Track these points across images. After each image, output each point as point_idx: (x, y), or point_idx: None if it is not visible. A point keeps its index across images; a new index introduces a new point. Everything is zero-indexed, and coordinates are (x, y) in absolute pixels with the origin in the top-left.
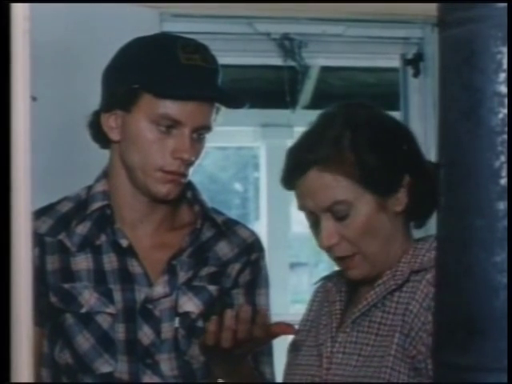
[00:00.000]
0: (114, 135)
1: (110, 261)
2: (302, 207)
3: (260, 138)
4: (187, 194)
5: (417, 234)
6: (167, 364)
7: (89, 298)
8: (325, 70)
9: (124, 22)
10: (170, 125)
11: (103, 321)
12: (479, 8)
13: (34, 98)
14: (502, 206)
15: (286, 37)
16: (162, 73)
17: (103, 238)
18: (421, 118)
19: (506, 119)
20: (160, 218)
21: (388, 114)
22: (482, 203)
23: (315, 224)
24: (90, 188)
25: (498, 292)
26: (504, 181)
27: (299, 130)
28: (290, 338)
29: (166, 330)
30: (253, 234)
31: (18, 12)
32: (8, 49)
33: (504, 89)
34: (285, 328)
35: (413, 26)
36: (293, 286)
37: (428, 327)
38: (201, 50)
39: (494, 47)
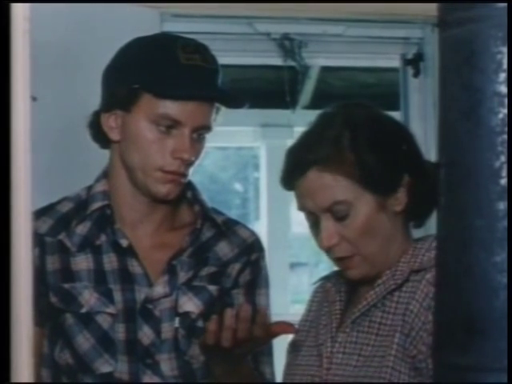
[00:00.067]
0: (114, 135)
1: (110, 261)
2: (301, 207)
3: (260, 138)
4: (187, 194)
5: (416, 233)
6: (167, 364)
7: (89, 298)
8: (325, 70)
9: (124, 22)
10: (170, 125)
11: (103, 321)
12: (479, 8)
13: (34, 98)
14: (502, 206)
15: (286, 37)
16: (161, 73)
17: (103, 238)
18: (421, 117)
19: (506, 119)
20: (160, 218)
21: (387, 113)
22: (481, 203)
23: (315, 224)
24: (90, 188)
25: (498, 292)
26: (504, 181)
27: (299, 130)
28: (290, 337)
29: (166, 330)
30: (253, 234)
31: (18, 12)
32: (8, 49)
33: (504, 89)
34: (285, 327)
35: (413, 26)
36: (293, 286)
37: (428, 327)
38: (201, 49)
39: (494, 47)
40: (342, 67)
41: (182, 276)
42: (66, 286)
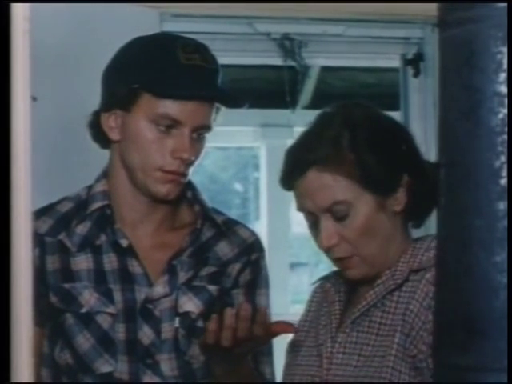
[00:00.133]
0: (114, 135)
1: (110, 261)
2: (300, 208)
3: (260, 138)
4: (187, 193)
5: (416, 233)
6: (167, 364)
7: (89, 298)
8: (325, 70)
9: (124, 22)
10: (170, 124)
11: (103, 321)
12: (479, 8)
13: (34, 98)
14: (502, 206)
15: (286, 37)
16: (161, 72)
17: (103, 238)
18: (421, 117)
19: (506, 119)
20: (160, 217)
21: (386, 113)
22: (481, 203)
23: (314, 225)
24: (90, 188)
25: (498, 292)
26: (504, 181)
27: (299, 130)
28: (290, 337)
29: (166, 330)
30: (253, 234)
31: (18, 12)
32: (8, 49)
33: (504, 89)
34: (285, 327)
35: (413, 26)
36: (293, 286)
37: (428, 326)
38: (201, 49)
39: (494, 47)
40: (342, 67)
41: (182, 276)
42: (66, 285)
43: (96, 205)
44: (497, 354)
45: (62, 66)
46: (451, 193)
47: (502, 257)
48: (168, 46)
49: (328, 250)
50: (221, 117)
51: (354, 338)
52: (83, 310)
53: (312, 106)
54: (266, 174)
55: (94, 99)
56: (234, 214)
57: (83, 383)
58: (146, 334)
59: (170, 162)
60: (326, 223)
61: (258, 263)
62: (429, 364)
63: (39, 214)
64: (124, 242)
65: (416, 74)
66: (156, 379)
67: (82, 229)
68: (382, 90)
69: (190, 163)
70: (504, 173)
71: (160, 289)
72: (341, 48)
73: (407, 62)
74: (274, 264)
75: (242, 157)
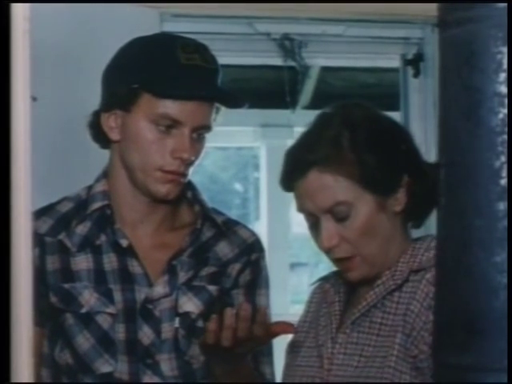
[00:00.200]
0: (114, 135)
1: (110, 261)
2: (301, 209)
3: (260, 138)
4: (187, 194)
5: (416, 233)
6: (167, 364)
7: (89, 298)
8: (325, 70)
9: (124, 22)
10: (170, 124)
11: (103, 321)
12: (479, 8)
13: (34, 98)
14: (502, 206)
15: (286, 37)
16: (161, 72)
17: (103, 238)
18: (421, 118)
19: (506, 119)
20: (160, 218)
21: (385, 114)
22: (481, 203)
23: (314, 225)
24: (90, 188)
25: (498, 292)
26: (504, 181)
27: (299, 130)
28: (290, 338)
29: (166, 330)
30: (253, 234)
31: (18, 12)
32: (8, 49)
33: (504, 89)
34: (285, 327)
35: (413, 27)
36: (293, 287)
37: (429, 326)
38: (201, 49)
39: (494, 47)
40: (342, 67)
41: (182, 276)
42: (66, 286)
43: (96, 205)
44: (497, 354)
45: (62, 65)
46: (451, 193)
47: (501, 257)
48: (168, 46)
49: (329, 251)
50: (221, 117)
51: (355, 339)
52: (83, 310)
53: (312, 106)
54: (266, 174)
55: (94, 99)
56: (233, 214)
57: (83, 383)
58: (145, 334)
59: (169, 162)
60: (326, 224)
61: (257, 263)
62: (430, 364)
63: (39, 214)
64: (124, 242)
65: (416, 74)
66: (156, 379)
67: (82, 229)
68: (382, 90)
69: (189, 163)
70: (504, 173)
71: (160, 289)
72: (341, 48)
73: (407, 62)
74: (274, 264)
75: (242, 157)
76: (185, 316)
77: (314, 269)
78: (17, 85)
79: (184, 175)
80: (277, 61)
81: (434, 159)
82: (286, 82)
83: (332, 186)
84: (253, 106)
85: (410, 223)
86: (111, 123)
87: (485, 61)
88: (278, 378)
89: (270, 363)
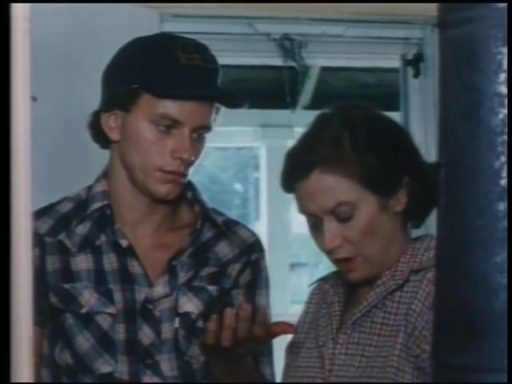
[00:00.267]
0: (114, 135)
1: (110, 261)
2: (302, 210)
3: (260, 139)
4: (187, 194)
5: (415, 233)
6: (167, 364)
7: (89, 298)
8: (325, 70)
9: (124, 22)
10: (170, 125)
11: (103, 321)
12: (479, 8)
13: (34, 98)
14: (502, 206)
15: (286, 37)
16: (161, 73)
17: (103, 238)
18: (421, 118)
19: (506, 120)
20: (160, 218)
21: (384, 114)
22: (481, 204)
23: (316, 226)
24: (90, 188)
25: (498, 292)
26: (504, 181)
27: (299, 131)
28: (289, 339)
29: (166, 331)
30: (253, 234)
31: (18, 12)
32: (8, 49)
33: (504, 89)
34: (285, 327)
35: (413, 27)
36: (293, 287)
37: (431, 326)
38: (201, 49)
39: (494, 48)
40: (342, 67)
41: (182, 276)
42: (66, 286)
43: (96, 205)
44: (497, 354)
45: (62, 66)
46: (451, 193)
47: (501, 257)
48: (168, 46)
49: (331, 252)
50: (221, 117)
51: (356, 339)
52: (83, 311)
53: (312, 106)
54: (266, 174)
55: (94, 99)
56: (234, 214)
57: (83, 383)
58: (145, 335)
59: (169, 162)
60: (329, 224)
61: (258, 263)
62: (432, 364)
63: (39, 214)
64: (124, 242)
65: (416, 75)
66: (156, 379)
67: (81, 229)
68: (382, 91)
69: (189, 163)
70: (504, 173)
71: (160, 289)
72: (341, 48)
73: (407, 62)
74: (274, 264)
75: (242, 157)
76: (185, 316)
77: (314, 269)
78: (17, 85)
79: (184, 175)
80: (277, 61)
81: (434, 159)
82: (286, 82)
83: (334, 186)
84: (253, 106)
85: (409, 223)
86: (111, 123)
87: (485, 61)
88: (278, 378)
89: (270, 363)
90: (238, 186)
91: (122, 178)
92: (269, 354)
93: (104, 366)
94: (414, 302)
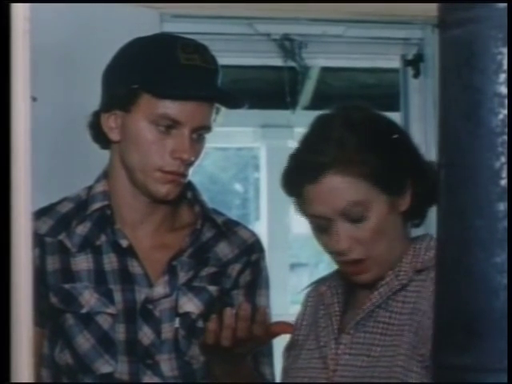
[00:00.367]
0: (114, 135)
1: (110, 261)
2: (310, 213)
3: (260, 139)
4: (187, 194)
5: (414, 232)
6: (167, 364)
7: (89, 298)
8: (325, 70)
9: (124, 22)
10: (170, 125)
11: (103, 321)
12: (479, 9)
13: (34, 99)
14: (502, 206)
15: (286, 37)
16: (161, 73)
17: (103, 238)
18: (421, 118)
19: (506, 120)
20: (160, 218)
21: (383, 114)
22: (481, 204)
23: (323, 229)
24: (90, 188)
25: (498, 293)
26: (504, 182)
27: (299, 131)
28: (286, 342)
29: (166, 331)
30: (253, 234)
31: (18, 12)
32: (8, 49)
33: (504, 89)
34: (285, 327)
35: (413, 27)
36: (293, 287)
37: None
38: (200, 50)
39: (495, 48)
40: (342, 68)
41: (182, 276)
42: (67, 286)
43: (96, 205)
44: (497, 355)
45: (62, 66)
46: (451, 193)
47: (501, 258)
48: (168, 47)
49: (342, 253)
50: (221, 117)
51: (361, 339)
52: (83, 311)
53: (312, 106)
54: (266, 175)
55: (94, 99)
56: (234, 214)
57: (83, 383)
58: (146, 335)
59: (169, 162)
60: (340, 226)
61: (258, 264)
62: None
63: (39, 214)
64: (124, 243)
65: (416, 75)
66: (156, 379)
67: (82, 229)
68: (382, 91)
69: (189, 164)
70: (504, 174)
71: (160, 289)
72: (341, 49)
73: (407, 62)
74: (274, 264)
75: (242, 157)
76: (185, 316)
77: (314, 269)
78: (17, 85)
79: (184, 176)
80: (277, 61)
81: (434, 160)
82: (286, 83)
83: (348, 187)
84: (253, 106)
85: (409, 222)
86: (111, 123)
87: (485, 61)
88: (278, 378)
89: (270, 364)
90: (238, 187)
91: (122, 178)
92: (269, 354)
93: (104, 366)
94: (418, 301)
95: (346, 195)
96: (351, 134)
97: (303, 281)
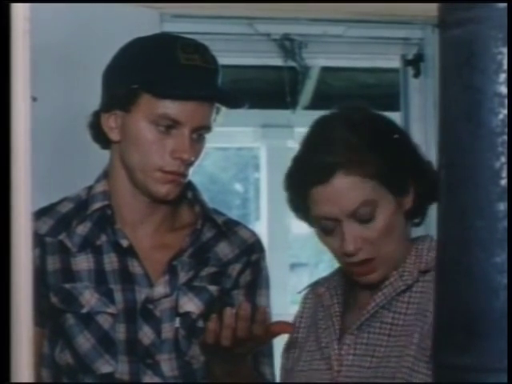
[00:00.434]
0: (114, 135)
1: (110, 261)
2: (317, 215)
3: (260, 139)
4: (188, 194)
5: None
6: (167, 364)
7: (89, 298)
8: (325, 70)
9: (124, 22)
10: (170, 125)
11: (104, 321)
12: (479, 9)
13: (34, 98)
14: (502, 206)
15: (286, 37)
16: (161, 73)
17: (104, 238)
18: (421, 118)
19: (507, 120)
20: (160, 218)
21: (383, 114)
22: (482, 204)
23: (330, 230)
24: (90, 188)
25: (498, 293)
26: (504, 182)
27: (300, 131)
28: (284, 345)
29: (167, 331)
30: (253, 234)
31: (18, 12)
32: (8, 49)
33: (504, 89)
34: (285, 327)
35: (413, 27)
36: (293, 287)
37: None
38: (201, 50)
39: (495, 48)
40: (342, 68)
41: (183, 276)
42: (67, 286)
43: (96, 205)
44: (497, 355)
45: (62, 66)
46: (451, 193)
47: (502, 258)
48: (168, 47)
49: (352, 254)
50: (221, 117)
51: (365, 340)
52: (84, 311)
53: (312, 106)
54: (267, 175)
55: (94, 99)
56: (234, 214)
57: (83, 383)
58: (146, 334)
59: (169, 162)
60: (349, 227)
61: (258, 264)
62: None
63: (39, 214)
64: (124, 243)
65: (416, 75)
66: (156, 379)
67: (82, 229)
68: (382, 91)
69: (189, 164)
70: (504, 174)
71: (160, 289)
72: (341, 48)
73: (407, 62)
74: (274, 264)
75: (242, 157)
76: (185, 316)
77: (314, 269)
78: (17, 85)
79: (184, 175)
80: (277, 61)
81: (434, 160)
82: (286, 83)
83: (359, 186)
84: (253, 106)
85: (410, 222)
86: (111, 123)
87: (485, 61)
88: (278, 378)
89: (270, 364)
90: (238, 187)
91: (122, 178)
92: (269, 354)
93: (104, 366)
94: (425, 302)
95: (356, 195)
96: (354, 135)
97: (303, 281)
